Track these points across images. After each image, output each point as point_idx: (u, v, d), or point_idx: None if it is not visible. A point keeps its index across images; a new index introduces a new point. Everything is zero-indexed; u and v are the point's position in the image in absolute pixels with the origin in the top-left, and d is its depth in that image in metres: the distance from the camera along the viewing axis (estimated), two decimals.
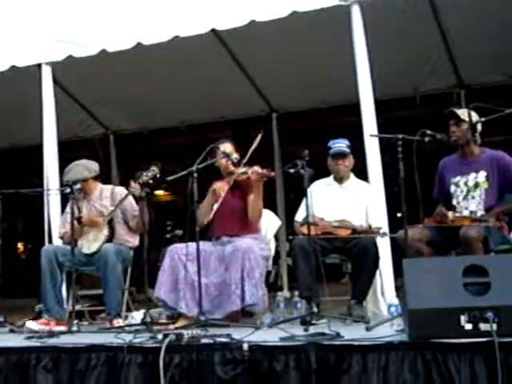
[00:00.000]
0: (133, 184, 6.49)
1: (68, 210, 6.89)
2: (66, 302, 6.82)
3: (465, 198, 5.78)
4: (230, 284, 5.89)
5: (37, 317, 6.85)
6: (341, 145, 6.57)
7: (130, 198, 6.80)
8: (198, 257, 5.75)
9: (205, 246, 6.14)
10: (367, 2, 6.73)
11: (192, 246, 5.87)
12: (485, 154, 5.82)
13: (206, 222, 6.37)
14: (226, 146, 6.51)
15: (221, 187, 6.47)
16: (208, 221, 6.37)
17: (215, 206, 6.35)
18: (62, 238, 7.14)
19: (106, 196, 7.05)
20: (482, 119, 5.63)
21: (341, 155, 6.56)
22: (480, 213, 5.65)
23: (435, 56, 9.21)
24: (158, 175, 6.34)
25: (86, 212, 6.95)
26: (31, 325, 6.44)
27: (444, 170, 6.03)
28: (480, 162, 5.78)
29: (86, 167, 7.02)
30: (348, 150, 6.56)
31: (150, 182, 6.31)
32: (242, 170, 6.27)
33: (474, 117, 5.68)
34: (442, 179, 6.04)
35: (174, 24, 7.34)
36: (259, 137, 6.25)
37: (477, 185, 5.74)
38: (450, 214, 5.61)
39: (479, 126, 5.75)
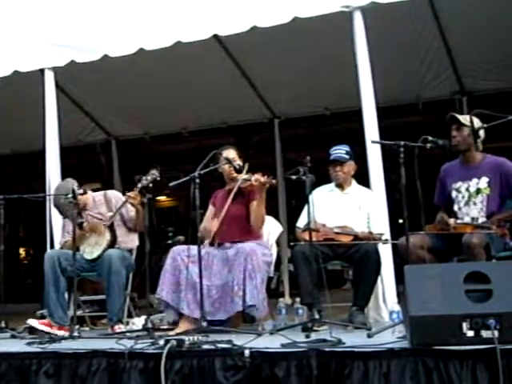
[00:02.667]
0: (132, 194, 6.49)
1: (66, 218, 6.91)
2: (68, 308, 6.82)
3: (466, 203, 5.77)
4: (232, 286, 5.89)
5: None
6: (339, 151, 6.55)
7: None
8: (199, 258, 5.75)
9: (208, 249, 6.16)
10: (369, 9, 6.73)
11: (194, 248, 5.88)
12: (487, 159, 5.81)
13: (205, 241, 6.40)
14: (230, 152, 6.52)
15: (211, 225, 6.48)
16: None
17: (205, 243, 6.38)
18: (62, 248, 7.11)
19: (100, 202, 7.04)
20: (485, 125, 5.62)
21: (338, 162, 6.55)
22: (481, 219, 5.64)
23: (437, 63, 9.23)
24: (158, 178, 6.33)
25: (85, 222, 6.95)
26: (33, 322, 6.44)
27: (445, 176, 6.02)
28: (482, 167, 5.77)
29: (64, 191, 6.86)
30: (347, 157, 6.54)
31: (150, 185, 6.30)
32: (244, 176, 6.28)
33: (477, 123, 5.68)
34: (443, 184, 6.03)
35: (176, 29, 7.36)
36: (246, 167, 6.34)
37: (478, 191, 5.72)
38: (452, 221, 5.61)
39: (482, 133, 5.73)
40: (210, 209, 6.69)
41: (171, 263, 6.17)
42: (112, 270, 6.42)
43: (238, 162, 6.42)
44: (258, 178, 6.09)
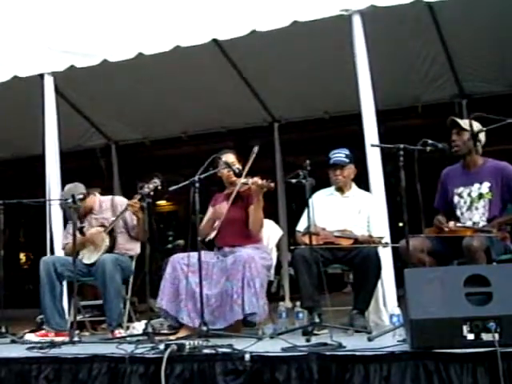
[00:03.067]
0: (131, 202, 6.50)
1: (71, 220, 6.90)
2: (68, 313, 6.82)
3: (468, 208, 5.76)
4: (231, 294, 5.89)
5: (37, 328, 6.84)
6: (339, 155, 6.55)
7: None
8: (199, 267, 5.75)
9: (207, 257, 6.15)
10: (368, 12, 6.73)
11: (194, 256, 5.88)
12: (488, 164, 5.80)
13: (207, 239, 6.39)
14: (229, 157, 6.52)
15: (221, 207, 6.47)
16: (209, 238, 6.39)
17: (216, 224, 6.38)
18: (63, 249, 7.14)
19: (107, 207, 7.06)
20: (484, 129, 5.62)
21: (338, 166, 6.55)
22: (482, 223, 5.63)
23: (436, 66, 9.23)
24: (160, 187, 6.34)
25: (87, 225, 6.96)
26: (30, 337, 6.45)
27: (446, 180, 6.01)
28: (483, 172, 5.76)
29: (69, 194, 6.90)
30: (347, 160, 6.53)
31: (152, 193, 6.31)
32: (242, 180, 6.28)
33: (476, 127, 5.68)
34: (444, 189, 6.02)
35: (176, 34, 7.36)
36: (255, 150, 6.30)
37: (481, 196, 5.71)
38: (452, 223, 5.60)
39: (482, 136, 5.74)
40: (210, 210, 6.70)
41: (171, 272, 6.17)
42: (106, 275, 6.43)
43: (238, 166, 6.42)
44: (255, 180, 6.09)
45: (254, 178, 6.14)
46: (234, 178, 6.44)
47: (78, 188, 6.96)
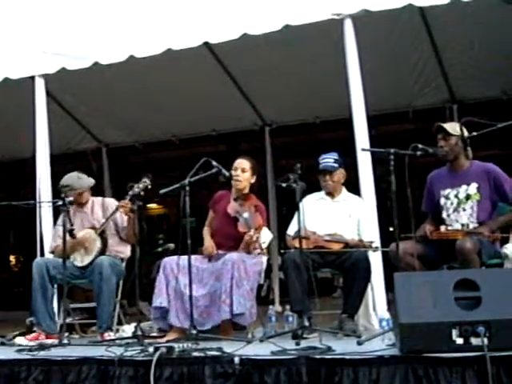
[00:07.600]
0: (123, 202, 6.49)
1: (60, 222, 6.87)
2: (58, 315, 6.80)
3: (455, 210, 5.76)
4: (220, 294, 5.91)
5: (27, 331, 6.81)
6: (328, 160, 6.54)
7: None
8: (189, 269, 5.75)
9: (197, 261, 6.17)
10: (360, 17, 6.73)
11: (185, 259, 5.88)
12: (474, 166, 5.80)
13: None
14: (242, 163, 6.53)
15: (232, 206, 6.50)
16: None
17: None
18: (52, 252, 7.10)
19: (98, 208, 7.05)
20: (474, 133, 5.63)
21: (327, 171, 6.55)
22: (472, 225, 5.63)
23: (428, 71, 9.24)
24: (150, 187, 6.33)
25: (78, 225, 6.94)
26: (21, 341, 6.42)
27: (433, 183, 6.02)
28: (470, 174, 5.76)
29: (85, 180, 7.03)
30: (335, 165, 6.52)
31: (142, 193, 6.30)
32: (253, 233, 6.20)
33: (464, 131, 5.68)
34: (430, 192, 6.03)
35: (167, 37, 7.35)
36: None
37: (468, 197, 5.71)
38: (443, 228, 5.61)
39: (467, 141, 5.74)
40: (210, 214, 6.71)
41: (162, 273, 6.19)
42: (103, 277, 6.41)
43: (250, 175, 6.45)
44: (256, 247, 6.17)
45: (259, 239, 6.21)
46: (239, 186, 6.45)
47: (81, 181, 7.00)
